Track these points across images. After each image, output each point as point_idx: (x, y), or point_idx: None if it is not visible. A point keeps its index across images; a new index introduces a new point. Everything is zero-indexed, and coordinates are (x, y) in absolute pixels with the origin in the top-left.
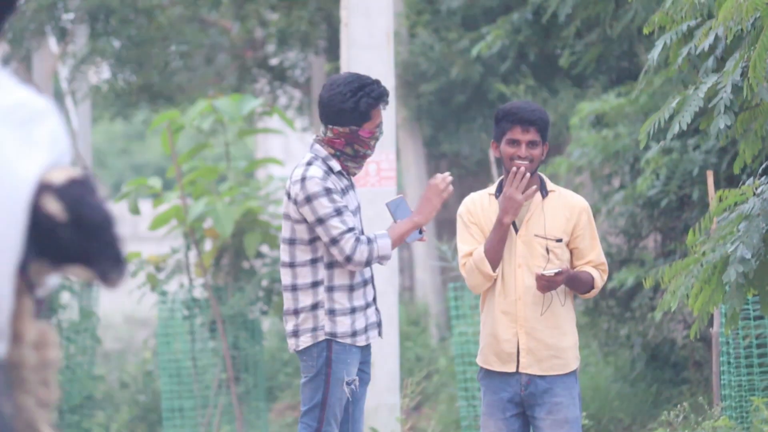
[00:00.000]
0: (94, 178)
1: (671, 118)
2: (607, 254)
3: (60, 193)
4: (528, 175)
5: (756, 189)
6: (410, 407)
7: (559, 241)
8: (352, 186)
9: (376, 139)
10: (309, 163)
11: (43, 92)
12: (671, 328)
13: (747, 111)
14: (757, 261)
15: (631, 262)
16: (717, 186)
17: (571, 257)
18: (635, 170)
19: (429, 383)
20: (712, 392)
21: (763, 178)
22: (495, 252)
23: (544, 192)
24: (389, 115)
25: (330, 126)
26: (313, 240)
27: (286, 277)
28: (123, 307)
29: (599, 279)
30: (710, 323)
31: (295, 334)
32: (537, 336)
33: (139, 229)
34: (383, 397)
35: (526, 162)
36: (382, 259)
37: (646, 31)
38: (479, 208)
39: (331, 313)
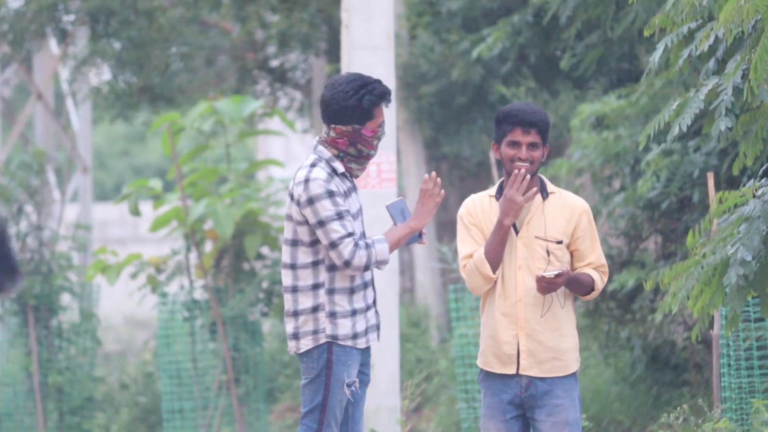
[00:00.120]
0: None
1: (672, 120)
2: (608, 256)
3: None
4: (528, 177)
5: (756, 191)
6: (410, 409)
7: (560, 242)
8: (354, 188)
9: (379, 138)
10: (313, 165)
11: (43, 94)
12: (672, 330)
13: (748, 113)
14: (758, 263)
15: (631, 264)
16: (718, 188)
17: (571, 259)
18: (636, 172)
19: (429, 385)
20: (713, 394)
21: (763, 180)
22: (495, 254)
23: (545, 194)
24: (390, 116)
25: (333, 125)
26: (315, 242)
27: (286, 278)
28: (123, 308)
29: (599, 281)
30: (711, 325)
31: (296, 336)
32: (537, 338)
33: (140, 230)
34: (383, 399)
35: (526, 164)
36: (380, 263)
37: (646, 33)
38: (479, 209)
39: (332, 315)
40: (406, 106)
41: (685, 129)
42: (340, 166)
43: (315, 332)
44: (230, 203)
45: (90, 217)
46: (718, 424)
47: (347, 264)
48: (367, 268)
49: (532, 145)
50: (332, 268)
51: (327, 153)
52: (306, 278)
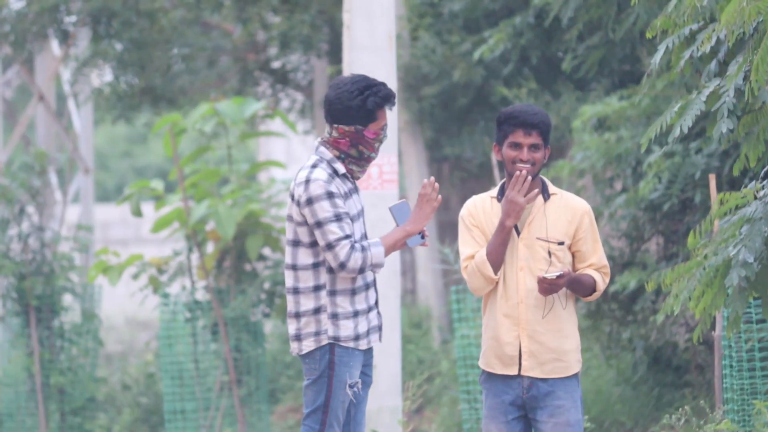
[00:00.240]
0: None
1: (674, 122)
2: (610, 257)
3: None
4: (530, 178)
5: (757, 192)
6: (412, 410)
7: (561, 244)
8: (356, 189)
9: (381, 141)
10: (314, 166)
11: (45, 95)
12: (673, 331)
13: (749, 114)
14: (759, 264)
15: (633, 266)
16: (719, 189)
17: (573, 260)
18: (637, 173)
19: (431, 386)
20: (714, 395)
21: (765, 182)
22: (497, 255)
23: (546, 195)
24: (391, 118)
25: (335, 125)
26: (315, 243)
27: (288, 279)
28: (125, 309)
29: (601, 282)
30: (712, 327)
31: (298, 337)
32: (539, 339)
33: (142, 231)
34: (385, 400)
35: (528, 165)
36: (375, 267)
37: (648, 34)
38: (481, 211)
39: (334, 316)
40: (408, 108)
41: (686, 131)
42: (341, 167)
43: (317, 334)
44: (232, 204)
45: (92, 218)
46: (720, 425)
47: (342, 266)
48: (362, 271)
49: (533, 147)
50: (333, 269)
51: (328, 154)
52: (307, 280)
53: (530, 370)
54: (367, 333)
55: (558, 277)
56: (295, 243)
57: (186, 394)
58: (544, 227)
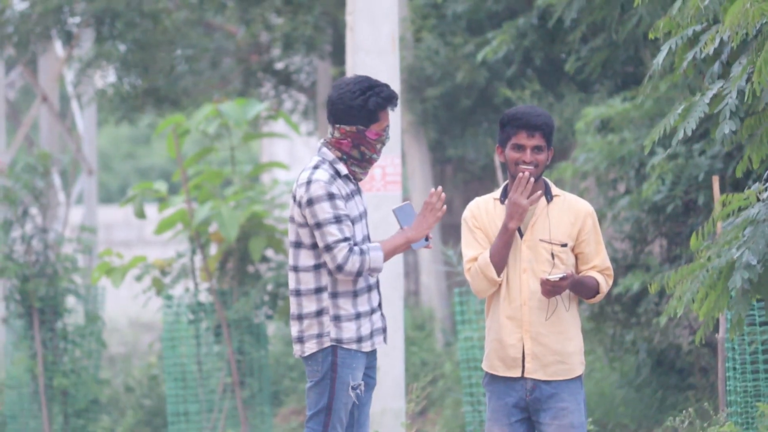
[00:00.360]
0: None
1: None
2: (613, 259)
3: None
4: (533, 180)
5: (760, 194)
6: (415, 412)
7: (564, 245)
8: (358, 190)
9: (383, 143)
10: (316, 167)
11: (48, 96)
12: (677, 333)
13: (753, 116)
14: (763, 267)
15: (636, 268)
16: (723, 191)
17: (576, 262)
18: (641, 175)
19: (434, 388)
20: (718, 398)
21: None
22: (500, 257)
23: (549, 197)
24: (395, 119)
25: (337, 125)
26: (316, 245)
27: (291, 281)
28: (128, 311)
29: (604, 284)
30: (716, 329)
31: (300, 340)
32: (542, 341)
33: (145, 232)
34: (388, 402)
35: (531, 167)
36: (373, 271)
37: (651, 36)
38: (484, 212)
39: (336, 319)
40: (411, 109)
41: (690, 132)
42: (343, 168)
43: (319, 336)
44: (235, 206)
45: (95, 220)
46: (724, 427)
47: (339, 269)
48: (359, 274)
49: (536, 149)
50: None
51: (330, 155)
52: (308, 282)
53: (533, 372)
54: (371, 335)
55: (561, 279)
56: (297, 244)
57: (189, 396)
58: (547, 229)
